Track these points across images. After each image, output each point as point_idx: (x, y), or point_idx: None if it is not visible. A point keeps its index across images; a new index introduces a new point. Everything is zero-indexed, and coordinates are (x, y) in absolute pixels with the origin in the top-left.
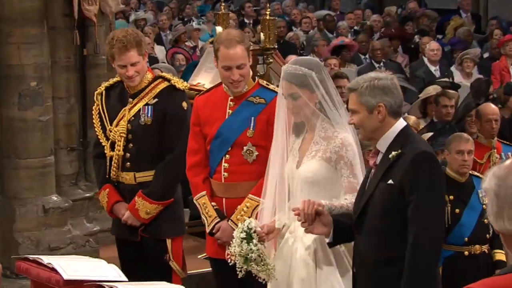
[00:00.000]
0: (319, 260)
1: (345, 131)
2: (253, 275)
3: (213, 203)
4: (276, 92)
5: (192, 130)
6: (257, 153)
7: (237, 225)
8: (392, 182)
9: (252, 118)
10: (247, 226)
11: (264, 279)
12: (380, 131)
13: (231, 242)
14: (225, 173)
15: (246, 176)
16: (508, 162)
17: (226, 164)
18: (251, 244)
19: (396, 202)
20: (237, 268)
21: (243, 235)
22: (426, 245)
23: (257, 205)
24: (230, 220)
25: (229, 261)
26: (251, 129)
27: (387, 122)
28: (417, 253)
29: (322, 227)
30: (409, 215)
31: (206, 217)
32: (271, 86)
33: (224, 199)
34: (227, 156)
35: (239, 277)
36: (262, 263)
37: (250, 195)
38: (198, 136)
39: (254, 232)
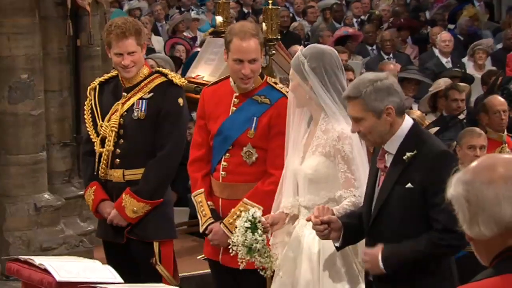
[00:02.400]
0: (323, 262)
1: (343, 123)
2: (255, 268)
3: (209, 202)
4: (283, 93)
5: (197, 123)
6: (256, 155)
7: (229, 229)
8: (412, 186)
9: (255, 118)
10: (252, 215)
11: (265, 272)
12: (389, 134)
13: (233, 232)
14: (223, 172)
15: (244, 177)
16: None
17: (225, 163)
18: (256, 234)
19: (416, 206)
20: (238, 259)
21: (247, 224)
22: (446, 246)
23: None
24: (222, 223)
25: (230, 251)
26: (252, 129)
27: (394, 123)
28: (435, 246)
29: (334, 232)
30: (432, 216)
31: (201, 216)
32: (279, 86)
33: (220, 199)
34: (227, 155)
35: (240, 268)
36: (265, 254)
37: (244, 199)
38: (203, 129)
39: (259, 222)
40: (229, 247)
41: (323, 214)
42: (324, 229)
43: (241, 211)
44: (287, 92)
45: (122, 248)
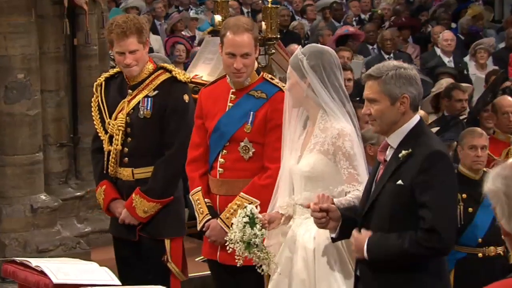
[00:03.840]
0: (318, 260)
1: (342, 121)
2: (254, 264)
3: (206, 200)
4: (279, 87)
5: (195, 123)
6: (253, 149)
7: (226, 224)
8: (402, 183)
9: (251, 112)
10: (250, 211)
11: (263, 269)
12: (397, 125)
13: (230, 228)
14: (221, 169)
15: (242, 173)
16: (511, 160)
17: (222, 160)
18: (255, 228)
19: (405, 204)
20: (236, 256)
21: (245, 219)
22: (429, 247)
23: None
24: (219, 219)
25: (228, 248)
26: (249, 124)
27: (406, 115)
28: (419, 246)
29: (332, 222)
30: (420, 214)
31: (198, 214)
32: (275, 81)
33: (218, 196)
34: (224, 151)
35: (238, 265)
36: (264, 250)
37: (241, 193)
38: (201, 129)
39: (257, 217)
40: (226, 244)
41: (322, 202)
42: (322, 216)
43: (238, 205)
44: (284, 86)
45: (132, 245)
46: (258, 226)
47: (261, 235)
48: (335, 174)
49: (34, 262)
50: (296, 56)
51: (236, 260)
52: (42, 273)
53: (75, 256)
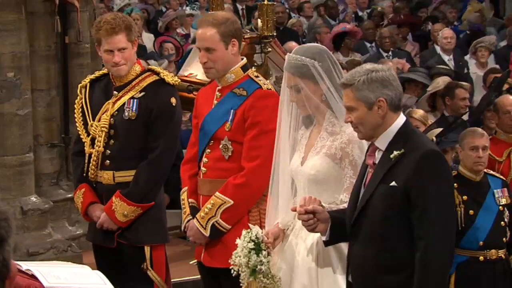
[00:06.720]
0: (321, 264)
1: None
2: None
3: (190, 200)
4: (259, 85)
5: (192, 122)
6: (232, 148)
7: (201, 224)
8: (396, 184)
9: (232, 111)
10: (255, 235)
11: None
12: (381, 128)
13: (234, 251)
14: (204, 169)
15: (222, 173)
16: None
17: (205, 159)
18: (260, 255)
19: (399, 205)
20: (240, 280)
21: (251, 245)
22: (438, 252)
23: (222, 204)
24: (195, 218)
25: (232, 271)
26: (229, 122)
27: (388, 117)
28: (429, 261)
29: (321, 224)
30: (416, 219)
31: (182, 214)
32: (259, 79)
33: (201, 196)
34: (208, 150)
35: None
36: (269, 275)
37: (216, 193)
38: (196, 128)
39: (262, 241)
40: (231, 267)
41: (309, 204)
42: (308, 219)
43: (212, 205)
44: (265, 84)
45: (112, 252)
46: (264, 252)
47: (267, 262)
48: (340, 179)
49: (24, 265)
50: (300, 63)
51: (241, 284)
52: (32, 276)
53: (66, 259)
